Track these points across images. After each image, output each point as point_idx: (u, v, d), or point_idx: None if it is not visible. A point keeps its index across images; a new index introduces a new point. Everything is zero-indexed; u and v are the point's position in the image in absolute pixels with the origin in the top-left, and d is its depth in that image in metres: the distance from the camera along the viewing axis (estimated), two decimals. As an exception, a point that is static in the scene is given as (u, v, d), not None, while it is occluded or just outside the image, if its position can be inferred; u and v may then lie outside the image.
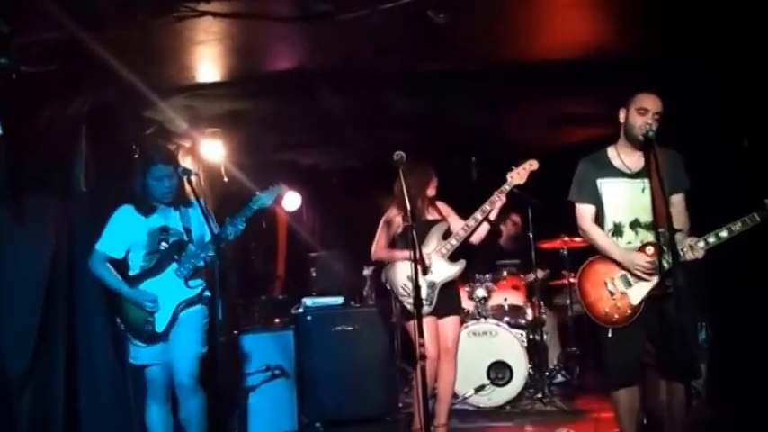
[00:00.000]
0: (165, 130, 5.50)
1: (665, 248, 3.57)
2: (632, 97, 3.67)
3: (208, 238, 3.96)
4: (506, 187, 4.51)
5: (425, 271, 4.03)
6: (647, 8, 3.94)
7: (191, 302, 3.97)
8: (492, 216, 4.59)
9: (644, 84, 3.73)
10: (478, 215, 4.55)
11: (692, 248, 3.52)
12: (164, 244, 3.97)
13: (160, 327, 3.90)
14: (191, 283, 3.97)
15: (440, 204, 4.88)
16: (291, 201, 7.44)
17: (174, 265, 3.96)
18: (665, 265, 3.55)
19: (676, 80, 4.81)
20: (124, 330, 3.94)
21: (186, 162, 5.75)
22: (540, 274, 6.50)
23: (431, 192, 4.78)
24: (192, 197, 4.01)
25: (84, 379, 4.30)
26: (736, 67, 4.69)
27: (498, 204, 4.51)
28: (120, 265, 4.01)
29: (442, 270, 4.61)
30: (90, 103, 4.44)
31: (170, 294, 3.93)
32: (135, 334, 3.91)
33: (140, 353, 3.93)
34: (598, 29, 4.41)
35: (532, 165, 4.54)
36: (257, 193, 4.04)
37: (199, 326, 3.98)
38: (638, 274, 3.64)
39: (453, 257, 4.67)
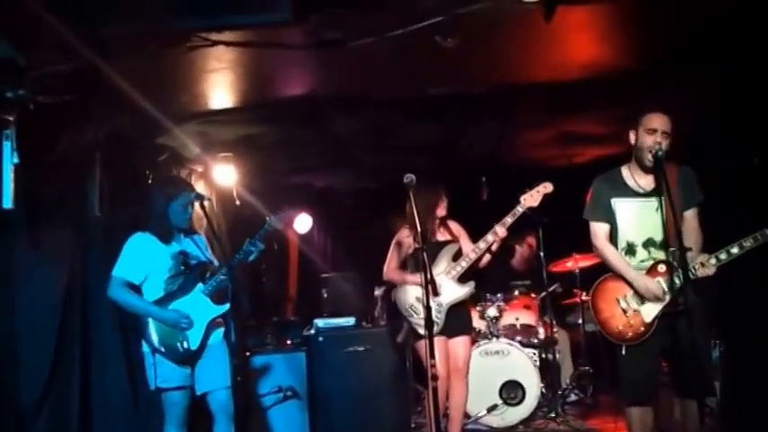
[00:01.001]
0: (179, 155, 5.57)
1: (676, 266, 3.59)
2: (641, 118, 3.69)
3: (216, 263, 4.10)
4: (519, 209, 4.52)
5: (436, 293, 4.06)
6: (653, 26, 3.98)
7: (220, 320, 4.04)
8: (500, 240, 4.59)
9: (652, 102, 3.76)
10: (489, 237, 4.56)
11: (704, 265, 3.53)
12: (185, 267, 4.03)
13: (194, 344, 3.94)
14: (217, 301, 4.03)
15: (452, 225, 4.89)
16: (303, 223, 7.48)
17: (200, 286, 4.03)
18: (677, 282, 3.57)
19: (684, 97, 4.85)
20: (153, 353, 3.88)
21: (199, 186, 5.83)
22: (552, 287, 6.49)
23: (441, 212, 4.80)
24: (205, 221, 4.09)
25: (98, 404, 4.32)
26: (747, 83, 4.71)
27: (506, 227, 4.52)
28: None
29: (451, 291, 4.62)
30: (104, 130, 4.51)
31: (200, 313, 3.98)
32: (169, 354, 3.89)
33: (173, 375, 3.90)
34: (604, 48, 4.43)
35: (546, 187, 4.55)
36: (269, 217, 4.12)
37: (228, 352, 4.04)
38: (650, 298, 3.65)
39: (463, 279, 4.69)
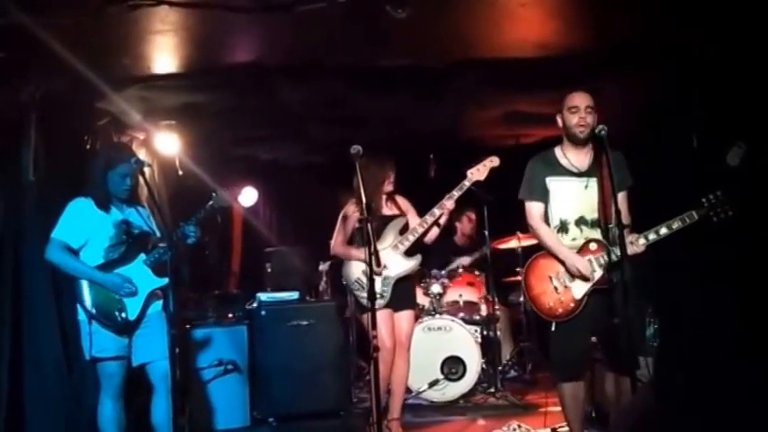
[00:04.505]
0: (119, 121, 5.40)
1: (607, 244, 3.68)
2: (563, 100, 3.79)
3: (159, 234, 4.02)
4: (466, 183, 4.55)
5: (379, 264, 4.06)
6: (604, 9, 4.01)
7: (159, 293, 3.96)
8: (448, 212, 4.61)
9: (599, 85, 3.81)
10: (436, 211, 4.57)
11: (633, 244, 3.62)
12: (128, 236, 3.94)
13: (132, 315, 3.86)
14: (158, 273, 3.95)
15: (400, 200, 4.89)
16: (248, 196, 7.37)
17: (142, 256, 3.94)
18: (609, 259, 3.65)
19: (630, 80, 4.92)
20: (89, 321, 3.77)
21: (140, 155, 5.67)
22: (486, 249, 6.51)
23: (388, 187, 4.78)
24: (146, 189, 3.99)
25: (30, 371, 4.20)
26: (689, 67, 4.81)
27: (453, 200, 4.55)
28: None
29: (397, 265, 4.62)
30: (41, 90, 4.34)
31: (141, 283, 3.90)
32: (107, 323, 3.80)
33: (110, 344, 3.81)
34: (557, 27, 4.46)
35: (493, 161, 4.59)
36: (214, 194, 4.03)
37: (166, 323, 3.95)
38: (579, 276, 3.72)
39: (410, 253, 4.69)
